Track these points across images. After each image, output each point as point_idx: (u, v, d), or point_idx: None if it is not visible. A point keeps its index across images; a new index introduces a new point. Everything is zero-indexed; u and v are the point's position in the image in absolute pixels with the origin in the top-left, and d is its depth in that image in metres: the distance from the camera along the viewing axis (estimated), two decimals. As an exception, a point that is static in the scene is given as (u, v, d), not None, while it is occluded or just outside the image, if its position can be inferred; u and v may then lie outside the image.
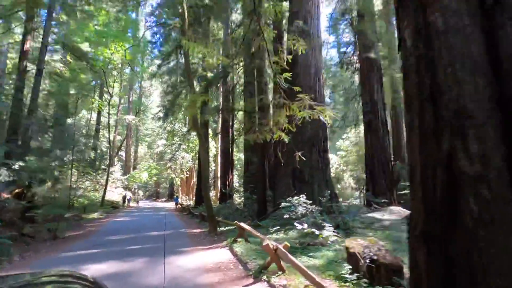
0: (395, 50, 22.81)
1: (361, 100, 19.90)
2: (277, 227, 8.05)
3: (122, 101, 36.49)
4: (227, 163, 25.66)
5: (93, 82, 30.97)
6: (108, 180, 29.29)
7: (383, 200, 12.67)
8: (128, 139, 34.04)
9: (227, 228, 9.66)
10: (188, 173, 34.63)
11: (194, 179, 38.16)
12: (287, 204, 8.43)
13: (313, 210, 8.18)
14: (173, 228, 10.93)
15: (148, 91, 46.71)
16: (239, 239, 6.96)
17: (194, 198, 34.71)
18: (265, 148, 13.32)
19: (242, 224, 6.71)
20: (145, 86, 47.58)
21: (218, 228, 9.74)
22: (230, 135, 26.07)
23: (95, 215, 17.56)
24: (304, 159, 8.47)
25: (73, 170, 24.49)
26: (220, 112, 21.59)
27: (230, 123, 26.73)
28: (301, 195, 8.67)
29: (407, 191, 16.94)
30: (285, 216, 8.19)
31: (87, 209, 20.04)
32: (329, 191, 10.59)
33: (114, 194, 29.23)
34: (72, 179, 23.31)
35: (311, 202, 8.59)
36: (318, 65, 11.46)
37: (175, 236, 8.86)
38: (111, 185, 29.83)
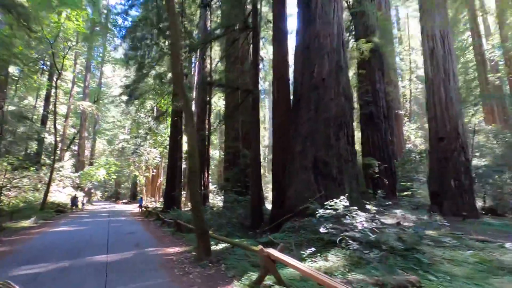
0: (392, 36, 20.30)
1: (359, 89, 17.64)
2: (312, 249, 4.99)
3: (75, 87, 30.99)
4: (202, 159, 22.07)
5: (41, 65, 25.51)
6: (53, 177, 24.06)
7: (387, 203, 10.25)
8: (82, 130, 28.75)
9: (221, 246, 6.37)
10: (155, 171, 30.22)
11: (161, 178, 33.79)
12: (325, 210, 5.42)
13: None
14: (136, 246, 7.32)
15: (112, 81, 41.05)
16: (267, 281, 3.75)
17: (161, 200, 30.37)
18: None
19: (272, 251, 3.54)
20: (108, 75, 41.93)
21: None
22: (207, 125, 22.61)
23: (26, 223, 13.08)
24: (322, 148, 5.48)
25: (5, 166, 19.28)
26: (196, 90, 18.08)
27: (207, 111, 23.24)
28: (341, 199, 5.73)
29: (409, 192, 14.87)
30: (322, 231, 5.16)
31: (18, 215, 15.30)
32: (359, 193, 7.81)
33: (62, 195, 24.06)
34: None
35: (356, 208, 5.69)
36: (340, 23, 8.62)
37: (139, 264, 5.34)
38: (59, 184, 24.58)
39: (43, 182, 24.83)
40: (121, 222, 14.22)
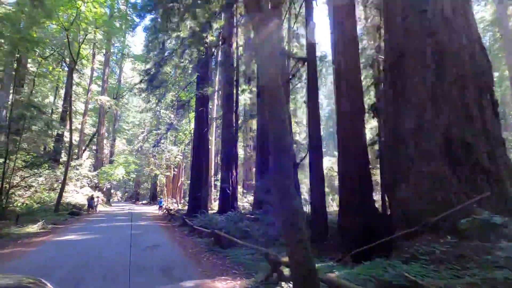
0: None
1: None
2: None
3: (94, 85, 29.57)
4: (230, 155, 19.68)
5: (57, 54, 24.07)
6: (70, 176, 22.43)
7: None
8: (101, 127, 27.21)
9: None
10: (176, 170, 28.18)
11: (182, 178, 31.77)
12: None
13: None
14: (166, 275, 4.79)
15: (131, 80, 39.61)
16: None
17: (182, 201, 28.27)
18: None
19: None
20: (128, 75, 40.61)
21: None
22: (234, 115, 20.18)
23: (33, 228, 11.07)
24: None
25: (16, 162, 17.67)
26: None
27: (234, 102, 20.80)
28: None
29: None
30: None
31: (27, 218, 13.43)
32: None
33: (80, 195, 22.42)
34: (10, 174, 16.49)
35: None
36: None
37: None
38: (76, 184, 22.99)
39: (59, 181, 23.33)
40: (141, 228, 11.94)
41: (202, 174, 17.60)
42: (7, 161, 16.19)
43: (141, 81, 15.85)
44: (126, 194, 64.26)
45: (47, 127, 25.56)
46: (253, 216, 11.86)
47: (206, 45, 17.81)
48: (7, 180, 14.96)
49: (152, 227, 12.34)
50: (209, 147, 19.59)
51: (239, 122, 21.30)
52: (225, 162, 18.99)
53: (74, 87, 24.82)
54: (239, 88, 19.71)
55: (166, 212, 19.60)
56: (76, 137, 28.97)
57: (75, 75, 28.27)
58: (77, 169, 22.18)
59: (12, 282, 1.36)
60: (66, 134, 32.12)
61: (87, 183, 23.02)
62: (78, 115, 27.50)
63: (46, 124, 25.46)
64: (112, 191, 47.87)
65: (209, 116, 19.62)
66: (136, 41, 66.39)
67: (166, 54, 14.99)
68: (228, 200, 17.97)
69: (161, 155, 25.01)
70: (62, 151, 26.22)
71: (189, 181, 39.16)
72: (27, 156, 18.50)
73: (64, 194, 22.01)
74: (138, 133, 38.26)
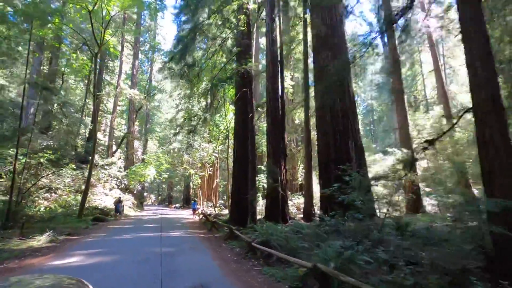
0: None
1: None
2: None
3: (122, 83, 27.67)
4: (278, 148, 16.13)
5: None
6: (98, 177, 20.25)
7: None
8: (131, 124, 25.10)
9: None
10: (211, 169, 25.18)
11: (218, 179, 28.75)
12: None
13: None
14: None
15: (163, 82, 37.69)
16: None
17: (218, 205, 25.21)
18: None
19: None
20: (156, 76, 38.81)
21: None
22: (280, 100, 16.68)
23: (38, 242, 8.30)
24: None
25: (38, 161, 15.59)
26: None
27: (279, 86, 17.29)
28: None
29: None
30: None
31: (41, 225, 10.92)
32: None
33: (109, 198, 20.18)
34: (29, 174, 14.33)
35: None
36: None
37: None
38: (104, 185, 20.82)
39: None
40: (176, 242, 8.69)
41: (247, 171, 14.19)
42: (26, 159, 14.05)
43: (172, 58, 12.85)
44: (159, 197, 63.42)
45: (76, 124, 23.99)
46: (329, 228, 8.09)
47: (247, 11, 14.52)
48: (20, 181, 12.61)
49: (190, 241, 9.05)
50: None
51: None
52: (272, 156, 15.43)
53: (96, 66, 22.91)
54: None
55: (204, 218, 16.47)
56: (101, 135, 27.34)
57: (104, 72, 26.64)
58: (106, 169, 19.97)
59: (53, 282, 1.39)
60: (101, 137, 30.77)
61: (116, 185, 20.76)
62: (107, 113, 25.73)
63: (75, 122, 23.88)
64: (145, 194, 46.60)
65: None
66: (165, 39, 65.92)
67: (200, 20, 11.89)
68: (277, 204, 14.39)
69: (195, 153, 22.15)
70: (97, 151, 24.46)
71: (225, 183, 36.30)
72: (52, 155, 16.41)
73: (92, 197, 19.90)
74: (170, 134, 36.27)
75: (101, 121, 29.70)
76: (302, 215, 18.92)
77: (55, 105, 22.41)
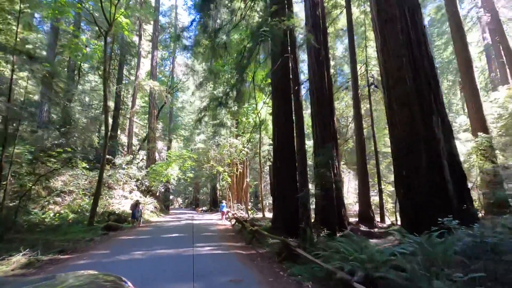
0: None
1: None
2: None
3: (144, 78, 25.50)
4: (327, 134, 12.90)
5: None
6: (116, 179, 17.92)
7: None
8: (152, 120, 22.78)
9: None
10: (241, 166, 22.15)
11: (248, 178, 25.71)
12: None
13: None
14: None
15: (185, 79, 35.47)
16: None
17: (250, 207, 22.10)
18: None
19: None
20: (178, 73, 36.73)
21: None
22: (326, 76, 13.44)
23: (9, 265, 5.61)
24: None
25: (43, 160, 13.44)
26: None
27: (325, 62, 14.10)
28: None
29: None
30: None
31: (37, 235, 8.40)
32: None
33: (128, 201, 17.80)
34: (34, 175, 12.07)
35: None
36: None
37: None
38: (123, 187, 18.48)
39: (106, 185, 19.16)
40: (206, 267, 5.57)
41: (294, 164, 10.92)
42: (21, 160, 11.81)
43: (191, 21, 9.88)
44: (186, 200, 61.75)
45: (94, 122, 22.10)
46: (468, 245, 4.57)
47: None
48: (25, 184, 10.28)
49: (228, 264, 5.91)
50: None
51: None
52: (320, 145, 12.03)
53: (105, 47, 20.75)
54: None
55: (237, 223, 13.39)
56: (124, 136, 25.36)
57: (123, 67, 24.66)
58: (124, 168, 17.60)
59: (91, 279, 1.39)
60: (124, 138, 29.01)
61: (136, 186, 18.34)
62: (127, 109, 23.63)
63: (93, 118, 21.99)
64: (171, 197, 44.76)
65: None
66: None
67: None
68: (332, 205, 11.02)
69: (222, 148, 19.23)
70: (117, 151, 22.38)
71: (256, 182, 33.18)
72: (59, 153, 14.19)
73: (110, 201, 17.61)
74: (195, 133, 33.90)
75: (124, 123, 27.96)
76: (356, 219, 15.29)
77: (71, 101, 20.64)
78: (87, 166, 16.08)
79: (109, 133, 13.38)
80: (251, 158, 29.83)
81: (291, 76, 11.35)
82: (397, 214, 15.20)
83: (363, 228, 12.41)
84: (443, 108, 8.78)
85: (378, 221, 14.84)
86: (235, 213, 16.48)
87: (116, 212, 15.68)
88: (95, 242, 8.75)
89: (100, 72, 20.44)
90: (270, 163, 24.51)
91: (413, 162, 8.23)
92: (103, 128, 26.57)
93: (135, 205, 13.48)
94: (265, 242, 8.61)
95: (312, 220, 10.63)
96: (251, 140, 21.03)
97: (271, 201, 24.92)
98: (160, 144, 33.36)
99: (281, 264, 5.87)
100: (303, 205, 9.33)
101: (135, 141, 32.14)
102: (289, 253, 6.05)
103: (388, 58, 9.41)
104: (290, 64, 10.43)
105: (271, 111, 21.25)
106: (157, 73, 28.53)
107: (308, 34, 10.13)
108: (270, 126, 21.10)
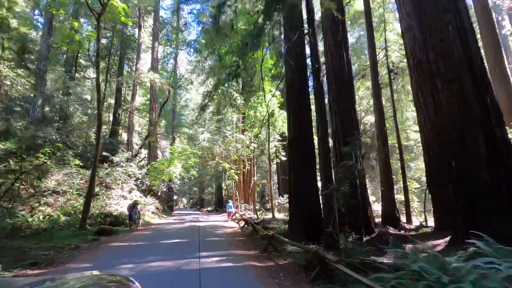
0: None
1: None
2: None
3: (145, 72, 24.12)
4: (348, 124, 11.38)
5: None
6: (114, 177, 16.60)
7: None
8: (153, 114, 21.39)
9: None
10: (249, 163, 20.66)
11: (255, 177, 24.23)
12: None
13: None
14: None
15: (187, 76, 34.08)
16: None
17: (258, 208, 20.62)
18: None
19: None
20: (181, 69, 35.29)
21: None
22: (346, 61, 12.04)
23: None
24: None
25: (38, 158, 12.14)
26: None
27: (340, 31, 12.74)
28: None
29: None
30: None
31: (16, 241, 7.02)
32: None
33: (127, 202, 16.44)
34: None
35: None
36: None
37: None
38: (123, 187, 17.13)
39: (104, 184, 17.83)
40: (216, 285, 4.09)
41: (313, 157, 9.41)
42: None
43: None
44: (191, 200, 60.41)
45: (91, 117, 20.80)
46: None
47: None
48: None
49: (243, 282, 4.43)
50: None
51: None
52: (341, 135, 10.54)
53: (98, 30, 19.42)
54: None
55: (247, 225, 11.92)
56: (125, 133, 24.01)
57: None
58: (123, 166, 16.23)
59: (95, 280, 1.38)
60: (125, 136, 27.75)
61: (135, 185, 16.96)
62: (127, 104, 22.31)
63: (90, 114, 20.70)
64: (175, 197, 43.48)
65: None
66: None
67: None
68: (358, 206, 9.55)
69: (229, 143, 17.77)
70: (118, 149, 21.00)
71: (264, 181, 31.65)
72: (47, 150, 12.82)
73: (107, 201, 16.27)
74: (198, 133, 32.55)
75: (126, 121, 26.67)
76: (379, 220, 13.69)
77: (67, 95, 19.37)
78: (81, 164, 14.72)
79: (101, 126, 11.97)
80: (258, 156, 28.40)
81: (308, 56, 9.86)
82: (426, 214, 13.61)
83: (392, 230, 10.84)
84: (490, 84, 7.24)
85: (404, 222, 13.25)
86: (243, 214, 15.04)
87: (114, 213, 14.29)
88: (81, 251, 7.33)
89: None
90: (279, 160, 23.04)
91: (468, 150, 6.66)
92: (104, 127, 25.35)
93: (133, 206, 12.07)
94: (284, 250, 7.11)
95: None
96: (259, 136, 19.57)
97: (279, 201, 23.43)
98: (163, 143, 32.07)
99: (313, 284, 4.38)
100: (327, 205, 7.81)
101: (138, 140, 30.91)
102: (322, 268, 4.55)
103: (427, 27, 7.83)
104: (308, 38, 8.90)
105: (280, 103, 19.78)
106: (160, 70, 27.20)
107: (328, 2, 8.59)
108: (279, 120, 19.62)
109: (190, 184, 47.04)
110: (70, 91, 18.13)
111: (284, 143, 25.98)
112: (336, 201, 7.47)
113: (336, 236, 7.08)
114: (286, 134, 17.34)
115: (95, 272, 1.54)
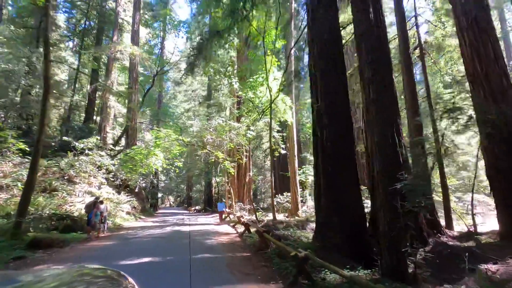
0: None
1: None
2: None
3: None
4: (388, 102, 7.97)
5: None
6: (79, 170, 13.26)
7: None
8: (132, 97, 18.00)
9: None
10: (247, 154, 17.61)
11: (251, 172, 21.31)
12: None
13: None
14: None
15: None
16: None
17: (255, 208, 17.60)
18: None
19: None
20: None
21: None
22: (380, 22, 8.79)
23: None
24: None
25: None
26: None
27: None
28: None
29: None
30: None
31: None
32: None
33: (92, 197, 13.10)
34: None
35: None
36: None
37: None
38: (90, 181, 13.76)
39: (66, 177, 14.42)
40: None
41: (351, 139, 6.52)
42: None
43: None
44: (178, 199, 56.68)
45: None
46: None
47: None
48: None
49: None
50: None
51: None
52: (379, 115, 7.59)
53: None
54: None
55: (249, 231, 8.92)
56: (109, 127, 20.31)
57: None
58: (87, 154, 12.86)
59: (87, 273, 1.36)
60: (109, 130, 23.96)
61: (104, 178, 13.59)
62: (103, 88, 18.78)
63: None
64: (159, 195, 39.85)
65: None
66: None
67: None
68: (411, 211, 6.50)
69: (222, 131, 14.67)
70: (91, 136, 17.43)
71: (261, 177, 28.62)
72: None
73: (68, 199, 12.94)
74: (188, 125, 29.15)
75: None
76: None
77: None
78: (27, 149, 11.35)
79: (49, 92, 8.66)
80: (254, 148, 25.42)
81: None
82: (475, 216, 10.96)
83: (450, 241, 8.10)
84: None
85: (443, 227, 10.59)
86: (241, 216, 12.05)
87: (74, 214, 10.97)
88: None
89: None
90: (277, 154, 20.14)
91: None
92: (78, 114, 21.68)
93: (93, 205, 8.80)
94: (323, 281, 4.18)
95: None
96: (256, 125, 16.61)
97: (279, 200, 20.53)
98: (148, 136, 28.56)
99: None
100: (391, 209, 4.86)
101: (118, 131, 27.19)
102: None
103: None
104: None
105: (280, 88, 16.76)
106: (144, 54, 23.52)
107: None
108: (281, 105, 16.56)
109: (178, 181, 43.56)
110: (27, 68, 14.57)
111: (284, 134, 23.14)
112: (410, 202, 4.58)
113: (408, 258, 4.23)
114: (286, 122, 14.39)
115: (85, 266, 1.58)
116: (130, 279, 1.42)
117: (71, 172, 13.75)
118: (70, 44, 25.32)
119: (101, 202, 10.30)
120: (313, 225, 11.37)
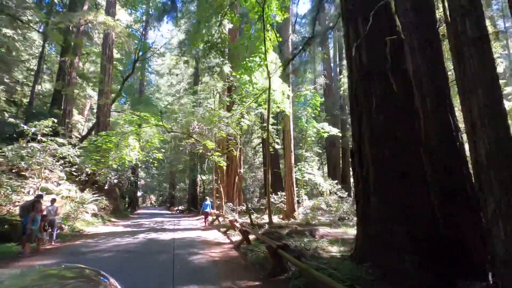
0: None
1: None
2: None
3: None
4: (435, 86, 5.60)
5: None
6: (33, 162, 10.57)
7: None
8: (106, 77, 15.30)
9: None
10: (238, 147, 15.32)
11: (242, 169, 19.14)
12: None
13: None
14: None
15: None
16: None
17: (245, 209, 15.35)
18: None
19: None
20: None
21: None
22: None
23: None
24: None
25: None
26: None
27: None
28: None
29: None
30: None
31: None
32: None
33: (56, 198, 10.44)
34: None
35: None
36: None
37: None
38: (45, 174, 11.07)
39: (14, 170, 11.63)
40: None
41: (411, 119, 4.48)
42: None
43: None
44: (160, 198, 53.36)
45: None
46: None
47: None
48: None
49: None
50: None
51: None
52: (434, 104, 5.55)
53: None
54: None
55: (249, 242, 6.73)
56: (82, 118, 17.32)
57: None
58: (40, 141, 10.16)
59: (62, 273, 1.29)
60: (78, 117, 20.69)
61: (62, 172, 10.91)
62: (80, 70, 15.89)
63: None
64: (139, 193, 36.79)
65: None
66: None
67: None
68: (463, 210, 4.42)
69: (210, 118, 12.29)
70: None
71: (253, 173, 26.31)
72: None
73: (13, 197, 10.22)
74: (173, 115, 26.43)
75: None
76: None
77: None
78: None
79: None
80: (244, 144, 23.17)
81: None
82: None
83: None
84: None
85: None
86: (235, 220, 9.77)
87: (14, 217, 8.34)
88: None
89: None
90: (272, 149, 18.03)
91: None
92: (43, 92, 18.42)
93: (31, 207, 6.28)
94: None
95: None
96: (248, 119, 14.40)
97: (272, 200, 18.42)
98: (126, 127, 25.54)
99: None
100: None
101: (90, 123, 23.98)
102: None
103: None
104: None
105: (281, 70, 14.52)
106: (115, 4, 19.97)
107: None
108: (278, 94, 14.41)
109: (160, 179, 40.56)
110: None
111: (279, 127, 21.06)
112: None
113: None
114: (283, 111, 12.44)
115: (62, 265, 1.43)
116: (112, 280, 1.29)
117: (22, 164, 10.99)
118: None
119: (53, 201, 7.78)
120: (322, 230, 9.30)
